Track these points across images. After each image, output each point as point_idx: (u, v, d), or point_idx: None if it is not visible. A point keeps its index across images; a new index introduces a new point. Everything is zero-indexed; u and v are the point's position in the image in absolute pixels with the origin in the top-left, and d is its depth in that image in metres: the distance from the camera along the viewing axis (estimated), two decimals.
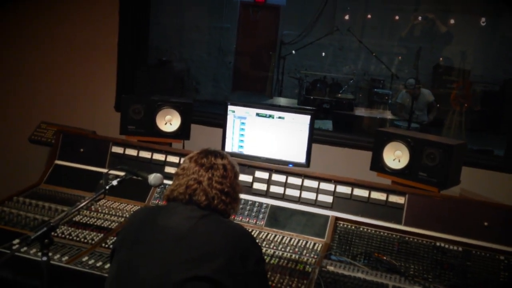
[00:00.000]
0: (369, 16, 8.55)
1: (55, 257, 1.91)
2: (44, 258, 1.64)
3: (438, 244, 2.13)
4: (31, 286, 1.78)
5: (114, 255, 1.50)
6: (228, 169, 1.61)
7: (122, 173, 1.90)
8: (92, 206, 2.36)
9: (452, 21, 7.41)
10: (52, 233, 1.86)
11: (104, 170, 2.52)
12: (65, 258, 1.92)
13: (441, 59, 7.95)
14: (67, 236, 2.10)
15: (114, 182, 1.75)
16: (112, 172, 2.09)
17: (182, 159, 2.46)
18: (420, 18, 7.17)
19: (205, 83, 9.16)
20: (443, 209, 2.16)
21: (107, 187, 1.75)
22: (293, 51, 7.75)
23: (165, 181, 2.02)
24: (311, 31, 8.73)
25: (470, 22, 7.67)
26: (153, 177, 1.78)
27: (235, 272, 1.41)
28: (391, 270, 2.02)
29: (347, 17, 8.50)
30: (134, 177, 1.85)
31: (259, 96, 8.62)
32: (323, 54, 8.85)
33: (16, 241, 2.01)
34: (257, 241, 1.58)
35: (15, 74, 3.72)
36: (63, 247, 2.00)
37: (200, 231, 1.45)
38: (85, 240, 2.08)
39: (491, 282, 1.96)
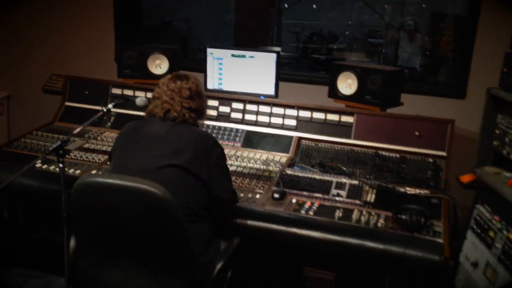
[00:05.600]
0: None
1: (70, 171, 2.42)
2: (61, 165, 2.15)
3: (380, 152, 2.59)
4: (51, 190, 2.29)
5: (112, 155, 1.99)
6: (193, 91, 2.02)
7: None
8: (99, 136, 2.86)
9: None
10: (68, 156, 2.36)
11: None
12: (78, 171, 2.43)
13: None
14: (79, 158, 2.60)
15: (110, 106, 2.23)
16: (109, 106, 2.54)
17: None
18: None
19: (208, 42, 9.44)
20: (384, 124, 2.61)
21: (105, 109, 2.23)
22: (285, 5, 8.01)
23: None
24: None
25: None
26: (139, 100, 2.26)
27: (201, 163, 1.88)
28: (340, 173, 2.50)
29: None
30: (124, 101, 2.32)
31: None
32: (314, 6, 9.08)
33: (38, 160, 2.51)
34: (219, 144, 2.04)
35: (28, 34, 4.19)
36: (76, 165, 2.51)
37: (174, 134, 1.92)
38: (94, 160, 2.59)
39: (420, 178, 2.43)
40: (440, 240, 1.91)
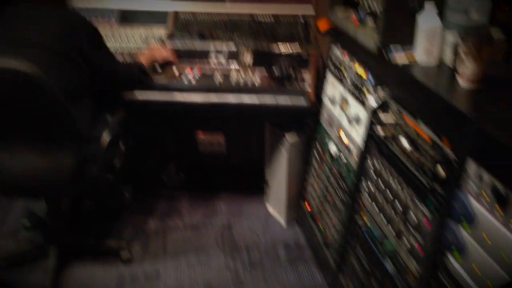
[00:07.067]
0: None
1: None
2: None
3: (255, 18, 2.69)
4: None
5: None
6: None
7: None
8: None
9: None
10: None
11: None
12: None
13: None
14: None
15: None
16: None
17: None
18: None
19: None
20: None
21: None
22: None
23: None
24: None
25: None
26: None
27: (70, 44, 1.82)
28: (219, 40, 2.57)
29: None
30: None
31: None
32: None
33: None
34: (91, 22, 1.99)
35: None
36: None
37: (40, 15, 1.82)
38: None
39: (292, 36, 2.58)
40: (307, 88, 2.14)
